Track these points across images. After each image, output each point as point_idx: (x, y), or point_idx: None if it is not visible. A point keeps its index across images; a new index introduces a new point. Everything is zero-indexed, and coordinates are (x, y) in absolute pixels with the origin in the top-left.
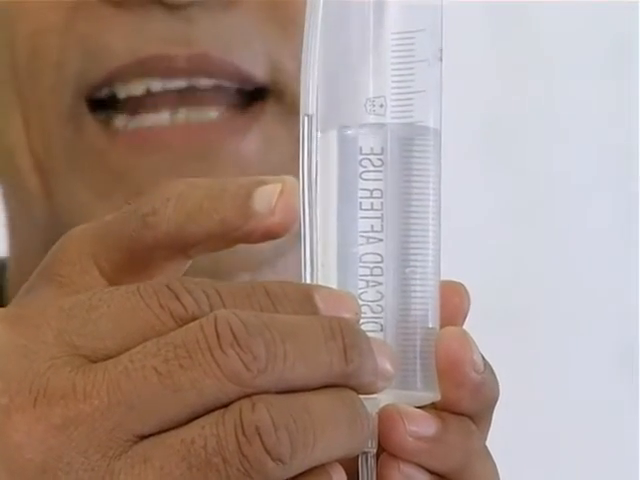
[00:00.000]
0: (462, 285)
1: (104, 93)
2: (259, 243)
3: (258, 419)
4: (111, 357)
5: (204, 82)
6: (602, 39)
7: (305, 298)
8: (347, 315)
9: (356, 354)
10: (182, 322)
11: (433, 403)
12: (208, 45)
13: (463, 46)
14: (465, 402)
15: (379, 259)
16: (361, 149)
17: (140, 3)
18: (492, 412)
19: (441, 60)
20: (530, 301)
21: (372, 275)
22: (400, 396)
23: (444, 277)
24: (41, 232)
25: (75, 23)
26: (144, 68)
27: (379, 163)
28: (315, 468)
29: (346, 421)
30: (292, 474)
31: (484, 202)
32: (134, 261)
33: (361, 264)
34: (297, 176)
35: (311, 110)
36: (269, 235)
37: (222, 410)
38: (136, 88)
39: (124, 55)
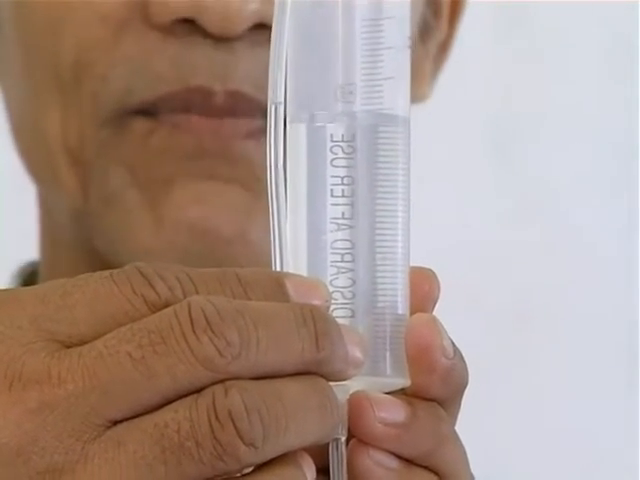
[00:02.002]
0: (432, 271)
1: (146, 108)
2: None
3: (231, 404)
4: (86, 342)
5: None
6: (602, 39)
7: (276, 285)
8: (318, 302)
9: (327, 341)
10: (155, 308)
11: (402, 389)
12: (245, 81)
13: (467, 47)
14: (435, 388)
15: (350, 245)
16: (332, 136)
17: (186, 32)
18: (461, 397)
19: (410, 48)
20: (537, 302)
21: (343, 261)
22: (370, 382)
23: (448, 275)
24: (74, 232)
25: (122, 41)
26: (187, 97)
27: (350, 150)
28: (285, 455)
29: (317, 408)
30: (264, 459)
31: (489, 204)
32: None
33: (332, 250)
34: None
35: (279, 98)
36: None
37: (195, 395)
38: (173, 108)
39: (171, 82)
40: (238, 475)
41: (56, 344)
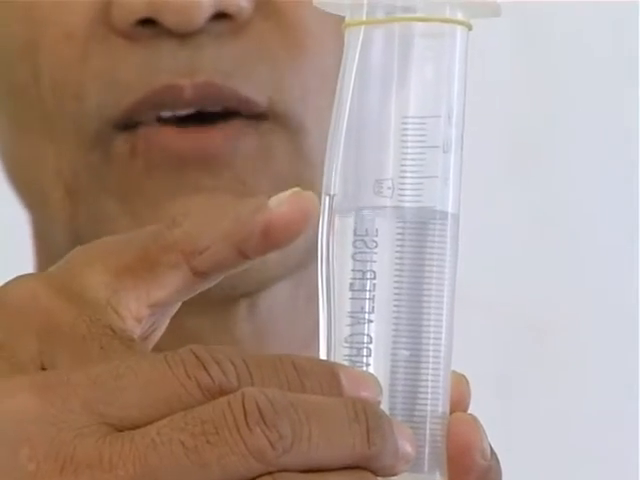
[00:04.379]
0: (464, 376)
1: (124, 121)
2: (268, 249)
3: None
4: (138, 426)
5: (211, 109)
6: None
7: (331, 376)
8: (369, 396)
9: (378, 437)
10: (209, 393)
11: None
12: (214, 73)
13: (483, 58)
14: None
15: (367, 340)
16: (355, 230)
17: (150, 35)
18: None
19: (457, 149)
20: (555, 314)
21: (359, 355)
22: (409, 478)
23: (467, 286)
24: None
25: (89, 56)
26: (155, 100)
27: (373, 245)
28: None
29: None
30: None
31: (506, 216)
32: (141, 263)
33: (346, 344)
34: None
35: (333, 190)
36: (278, 231)
37: None
38: (148, 117)
39: (137, 90)
40: None
41: (108, 428)
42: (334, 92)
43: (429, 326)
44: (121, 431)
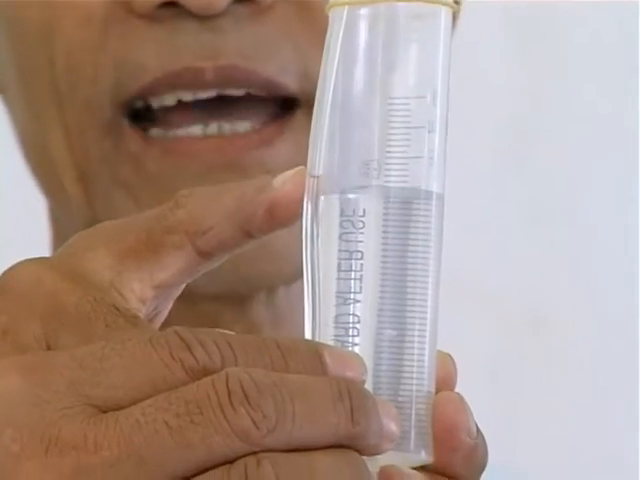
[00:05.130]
0: (449, 355)
1: (139, 105)
2: (272, 227)
3: (262, 475)
4: (122, 407)
5: (234, 92)
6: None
7: (315, 356)
8: (354, 375)
9: (362, 416)
10: (193, 373)
11: (425, 466)
12: (236, 56)
13: (477, 50)
14: (457, 466)
15: (356, 320)
16: (342, 211)
17: (171, 16)
18: (480, 477)
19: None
20: (553, 304)
21: (348, 335)
22: (393, 457)
23: (463, 277)
24: None
25: (108, 39)
26: (174, 81)
27: (360, 225)
28: None
29: None
30: None
31: (503, 205)
32: (144, 245)
33: (335, 325)
34: None
35: (317, 171)
36: (282, 209)
37: (228, 466)
38: (168, 99)
39: (155, 69)
40: None
41: (93, 409)
42: None
43: (414, 305)
44: (106, 412)
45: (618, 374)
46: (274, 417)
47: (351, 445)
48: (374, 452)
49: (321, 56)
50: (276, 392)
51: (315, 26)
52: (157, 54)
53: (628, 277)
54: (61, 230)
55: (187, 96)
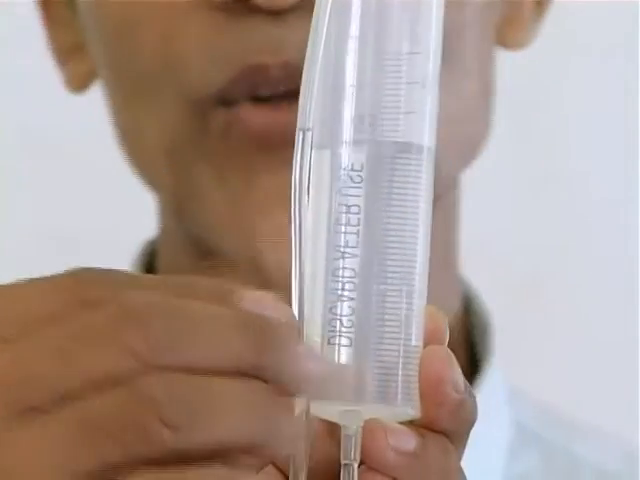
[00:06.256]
0: (439, 311)
1: (221, 96)
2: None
3: (155, 390)
4: (19, 334)
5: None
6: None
7: (229, 292)
8: (271, 315)
9: (270, 349)
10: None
11: (412, 420)
12: (296, 53)
13: None
14: (444, 421)
15: (352, 274)
16: (340, 165)
17: (242, 10)
18: (469, 433)
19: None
20: (550, 268)
21: (344, 290)
22: (379, 410)
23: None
24: (176, 221)
25: (192, 28)
26: (247, 79)
27: (358, 179)
28: (217, 454)
29: (251, 407)
30: (190, 445)
31: (503, 167)
32: None
33: (333, 278)
34: None
35: (308, 124)
36: None
37: (120, 383)
38: (243, 96)
39: (232, 64)
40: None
41: None
42: None
43: (403, 260)
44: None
45: (618, 334)
46: (166, 337)
47: (259, 376)
48: (291, 391)
49: None
50: (172, 314)
51: None
52: (234, 48)
53: (628, 239)
54: (159, 208)
55: (263, 92)
